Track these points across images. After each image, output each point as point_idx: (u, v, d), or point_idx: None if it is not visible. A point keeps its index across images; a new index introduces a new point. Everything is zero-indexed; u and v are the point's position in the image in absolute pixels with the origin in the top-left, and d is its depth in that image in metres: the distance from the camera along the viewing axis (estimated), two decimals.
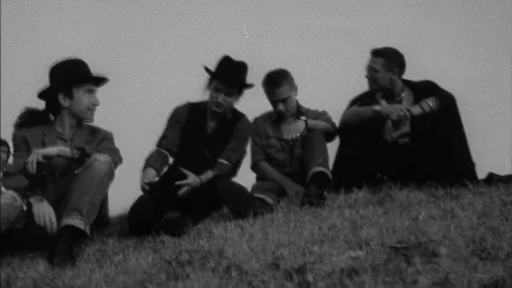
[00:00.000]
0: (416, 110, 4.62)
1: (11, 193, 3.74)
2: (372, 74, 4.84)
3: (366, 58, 4.93)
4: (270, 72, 4.97)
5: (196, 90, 4.81)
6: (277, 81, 4.89)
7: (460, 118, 4.70)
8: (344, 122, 4.82)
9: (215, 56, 4.80)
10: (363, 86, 4.96)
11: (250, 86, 4.77)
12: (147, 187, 4.36)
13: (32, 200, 3.80)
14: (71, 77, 4.17)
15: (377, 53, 4.88)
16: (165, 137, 4.76)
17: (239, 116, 4.79)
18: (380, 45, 4.94)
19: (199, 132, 4.73)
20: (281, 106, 4.89)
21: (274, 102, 4.92)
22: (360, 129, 4.66)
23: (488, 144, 4.96)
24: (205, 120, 4.76)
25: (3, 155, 7.29)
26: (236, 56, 4.74)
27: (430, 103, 4.62)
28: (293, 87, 4.95)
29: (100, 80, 4.27)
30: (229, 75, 4.65)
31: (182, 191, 4.34)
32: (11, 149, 6.18)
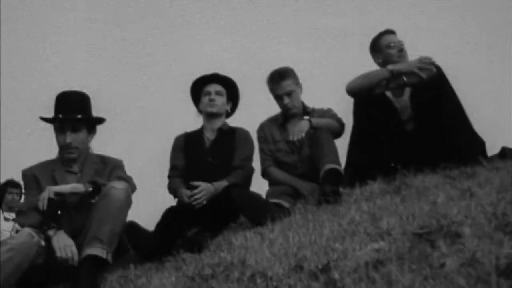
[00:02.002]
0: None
1: (28, 230, 3.73)
2: (402, 46, 4.89)
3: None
4: (275, 69, 5.02)
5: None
6: (281, 74, 4.94)
7: (453, 89, 4.67)
8: (356, 87, 4.73)
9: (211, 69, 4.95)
10: None
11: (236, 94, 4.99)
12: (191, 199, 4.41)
13: (50, 233, 3.78)
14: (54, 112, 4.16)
15: (392, 30, 4.99)
16: (174, 166, 4.87)
17: (235, 128, 4.92)
18: None
19: (199, 147, 4.83)
20: (286, 100, 4.89)
21: (279, 98, 4.93)
22: (371, 94, 4.64)
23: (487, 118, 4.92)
24: (202, 135, 4.89)
25: (15, 197, 7.31)
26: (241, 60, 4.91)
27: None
28: (298, 83, 4.99)
29: (62, 120, 4.18)
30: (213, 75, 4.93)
31: (199, 200, 4.35)
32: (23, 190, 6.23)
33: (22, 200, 5.63)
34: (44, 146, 4.33)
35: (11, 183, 7.38)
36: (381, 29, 5.04)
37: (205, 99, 4.89)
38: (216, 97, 4.86)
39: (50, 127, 4.21)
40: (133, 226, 4.13)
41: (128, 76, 7.84)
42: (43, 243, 3.75)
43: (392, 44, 4.90)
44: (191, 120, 5.06)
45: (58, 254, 3.72)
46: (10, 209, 7.40)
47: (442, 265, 2.43)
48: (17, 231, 3.93)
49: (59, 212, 3.85)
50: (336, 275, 2.58)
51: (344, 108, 4.93)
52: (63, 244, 3.74)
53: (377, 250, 2.80)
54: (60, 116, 4.13)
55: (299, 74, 5.05)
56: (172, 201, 4.73)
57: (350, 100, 4.86)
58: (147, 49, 7.89)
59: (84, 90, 4.30)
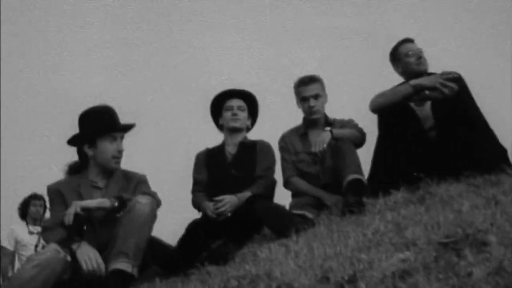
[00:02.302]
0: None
1: (53, 246, 3.75)
2: (420, 55, 4.90)
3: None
4: (303, 76, 5.07)
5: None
6: (310, 78, 5.00)
7: (473, 99, 4.67)
8: (380, 104, 4.75)
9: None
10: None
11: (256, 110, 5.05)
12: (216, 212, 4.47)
13: (74, 247, 3.80)
14: (94, 127, 4.19)
15: (410, 39, 5.02)
16: (197, 181, 4.92)
17: (256, 141, 4.98)
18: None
19: (221, 161, 4.90)
20: (313, 102, 4.92)
21: (305, 100, 4.95)
22: (398, 109, 4.64)
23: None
24: (223, 150, 4.96)
25: (39, 209, 7.37)
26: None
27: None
28: (324, 91, 5.02)
29: (125, 128, 4.29)
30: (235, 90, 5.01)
31: (223, 211, 4.38)
32: (47, 203, 6.28)
33: (47, 214, 5.65)
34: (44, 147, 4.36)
35: (34, 196, 7.44)
36: (387, 29, 5.06)
37: (227, 114, 4.95)
38: (239, 112, 4.92)
39: (50, 132, 4.26)
40: (154, 241, 4.14)
41: (142, 86, 7.87)
42: (69, 258, 3.77)
43: (410, 53, 4.92)
44: (211, 136, 5.11)
45: (84, 266, 3.74)
46: (34, 222, 7.46)
47: (469, 274, 2.43)
48: (43, 247, 3.95)
49: (84, 227, 3.87)
50: (362, 286, 2.58)
51: (361, 114, 4.96)
52: (88, 256, 3.77)
53: (403, 260, 2.79)
54: (121, 124, 4.25)
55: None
56: (195, 216, 4.75)
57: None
58: (164, 60, 7.92)
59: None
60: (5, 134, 7.45)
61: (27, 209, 7.41)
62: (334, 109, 5.12)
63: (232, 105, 4.96)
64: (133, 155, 4.44)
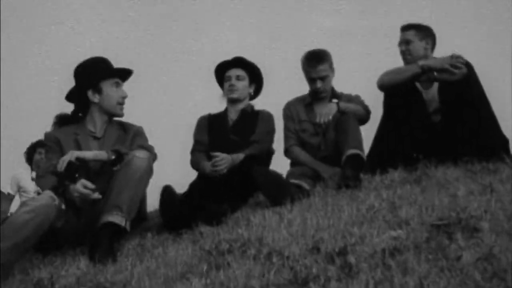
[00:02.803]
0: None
1: (48, 193, 3.76)
2: (406, 46, 4.83)
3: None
4: (313, 50, 4.99)
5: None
6: (319, 57, 4.91)
7: (482, 87, 4.67)
8: (387, 82, 4.75)
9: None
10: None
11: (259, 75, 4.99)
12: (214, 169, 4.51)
13: (66, 190, 3.82)
14: (97, 72, 4.19)
15: (407, 26, 4.91)
16: (197, 141, 4.93)
17: (259, 110, 4.97)
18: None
19: (222, 125, 4.91)
20: (319, 84, 4.89)
21: (312, 80, 4.92)
22: (404, 89, 4.64)
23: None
24: (226, 116, 4.96)
25: (40, 156, 7.39)
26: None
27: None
28: (332, 68, 4.96)
29: (125, 73, 4.30)
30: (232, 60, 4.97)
31: (219, 168, 4.42)
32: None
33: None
34: None
35: (40, 143, 7.45)
36: (383, 29, 5.04)
37: (226, 85, 4.95)
38: (237, 82, 4.89)
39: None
40: (169, 191, 4.16)
41: (149, 42, 7.85)
42: (63, 206, 3.79)
43: (398, 43, 4.91)
44: (215, 103, 5.10)
45: (77, 193, 3.78)
46: (39, 169, 7.50)
47: (459, 258, 2.45)
48: (38, 193, 3.96)
49: (76, 175, 3.87)
50: (352, 259, 2.60)
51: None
52: (80, 183, 3.79)
53: (395, 238, 2.82)
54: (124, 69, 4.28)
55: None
56: (192, 175, 4.78)
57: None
58: (174, 19, 7.89)
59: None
60: (5, 135, 7.45)
61: (33, 155, 7.43)
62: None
63: (230, 75, 4.93)
64: (134, 107, 4.44)
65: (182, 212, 4.06)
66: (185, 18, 7.82)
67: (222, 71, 4.99)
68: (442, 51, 4.86)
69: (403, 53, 4.89)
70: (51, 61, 7.68)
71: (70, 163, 3.85)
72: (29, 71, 7.74)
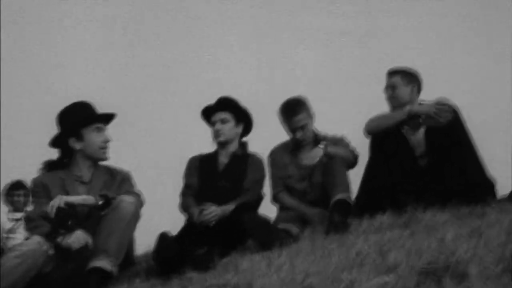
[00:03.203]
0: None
1: (37, 238, 3.75)
2: (392, 91, 4.88)
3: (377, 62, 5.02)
4: (287, 100, 4.99)
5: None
6: (294, 108, 4.92)
7: (467, 131, 4.72)
8: (374, 128, 4.81)
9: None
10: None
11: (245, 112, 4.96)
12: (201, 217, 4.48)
13: (59, 239, 3.80)
14: (78, 119, 4.21)
15: (393, 72, 4.97)
16: (188, 184, 4.90)
17: (249, 154, 4.95)
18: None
19: (212, 169, 4.88)
20: (298, 134, 4.90)
21: (291, 130, 4.94)
22: (390, 134, 4.69)
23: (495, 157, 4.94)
24: (216, 159, 4.93)
25: (21, 198, 7.37)
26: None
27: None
28: (310, 115, 4.96)
29: (107, 118, 4.31)
30: (216, 103, 4.94)
31: (207, 219, 4.39)
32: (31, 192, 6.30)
33: (31, 206, 5.62)
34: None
35: (18, 185, 7.43)
36: (382, 30, 5.07)
37: (212, 130, 4.93)
38: (221, 126, 4.87)
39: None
40: (165, 238, 4.16)
41: (140, 85, 7.85)
42: (51, 251, 3.77)
43: (384, 89, 4.96)
44: (205, 141, 5.09)
45: (73, 246, 3.75)
46: (16, 210, 7.46)
47: None
48: (26, 238, 3.94)
49: (69, 222, 3.87)
50: None
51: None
52: (75, 236, 3.77)
53: (384, 284, 2.81)
54: (104, 113, 4.30)
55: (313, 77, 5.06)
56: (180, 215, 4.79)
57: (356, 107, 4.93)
58: (163, 61, 7.90)
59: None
60: (5, 135, 7.42)
61: (12, 196, 7.40)
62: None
63: (214, 120, 4.91)
64: (121, 150, 4.44)
65: (172, 257, 4.05)
66: (173, 60, 7.85)
67: (208, 116, 5.00)
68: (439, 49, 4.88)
69: (389, 99, 4.94)
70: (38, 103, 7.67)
71: (59, 209, 3.84)
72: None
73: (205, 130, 5.06)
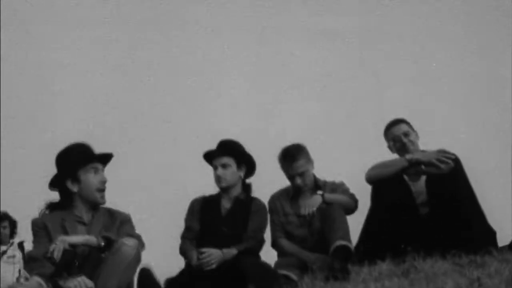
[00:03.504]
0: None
1: (37, 278, 3.75)
2: (408, 137, 4.96)
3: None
4: (287, 147, 5.02)
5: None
6: (294, 155, 4.94)
7: (468, 180, 4.73)
8: (374, 176, 4.82)
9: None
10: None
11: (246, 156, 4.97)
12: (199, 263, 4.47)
13: (61, 282, 3.79)
14: (74, 161, 4.23)
15: (398, 121, 5.06)
16: (189, 228, 4.91)
17: (252, 198, 4.96)
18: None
19: (214, 213, 4.88)
20: (298, 180, 4.92)
21: (291, 177, 4.95)
22: (392, 182, 4.70)
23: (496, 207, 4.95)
24: (219, 203, 4.93)
25: (6, 230, 7.33)
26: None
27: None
28: (310, 161, 4.99)
29: (104, 158, 4.33)
30: (217, 147, 4.96)
31: (207, 264, 4.38)
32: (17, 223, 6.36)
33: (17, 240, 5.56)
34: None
35: (1, 216, 7.41)
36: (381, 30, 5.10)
37: (214, 175, 4.94)
38: (222, 171, 4.88)
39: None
40: (146, 273, 4.13)
41: (136, 121, 7.86)
42: None
43: (394, 138, 4.99)
44: (206, 180, 5.09)
45: None
46: (0, 243, 7.44)
47: None
48: (26, 278, 3.93)
49: (73, 264, 3.87)
50: None
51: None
52: (77, 281, 3.76)
53: None
54: (101, 154, 4.30)
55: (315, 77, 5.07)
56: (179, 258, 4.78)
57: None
58: (163, 98, 7.92)
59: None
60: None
61: None
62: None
63: (215, 165, 4.92)
64: (118, 190, 4.44)
65: None
66: (172, 94, 7.87)
67: (210, 160, 5.01)
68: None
69: (405, 145, 4.94)
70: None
71: (65, 251, 3.84)
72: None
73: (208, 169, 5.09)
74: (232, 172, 4.90)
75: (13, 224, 7.39)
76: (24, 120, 7.82)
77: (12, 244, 7.31)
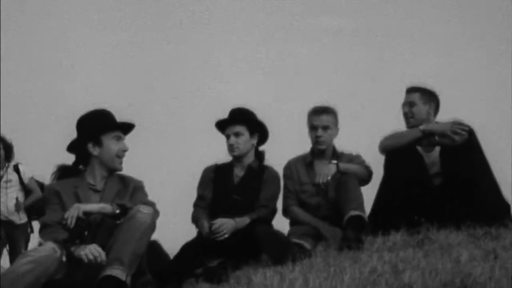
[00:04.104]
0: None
1: (51, 244, 3.75)
2: (410, 108, 4.87)
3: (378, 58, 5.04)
4: (319, 104, 5.03)
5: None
6: (324, 109, 4.96)
7: (483, 152, 4.70)
8: (388, 146, 4.81)
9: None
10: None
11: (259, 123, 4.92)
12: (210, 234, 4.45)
13: (73, 248, 3.80)
14: (99, 125, 4.21)
15: (412, 89, 4.95)
16: (201, 196, 4.88)
17: (265, 167, 4.90)
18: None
19: (227, 181, 4.85)
20: (320, 132, 4.89)
21: (314, 129, 4.93)
22: (405, 152, 4.67)
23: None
24: (231, 171, 4.90)
25: (1, 152, 7.25)
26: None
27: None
28: (337, 125, 4.97)
29: (127, 127, 4.32)
30: (229, 116, 4.90)
31: (219, 234, 4.38)
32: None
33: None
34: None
35: None
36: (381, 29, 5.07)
37: (227, 143, 4.88)
38: (235, 139, 4.81)
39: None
40: (155, 246, 4.12)
41: (149, 96, 7.85)
42: (64, 258, 3.77)
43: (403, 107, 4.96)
44: (217, 150, 5.08)
45: (85, 258, 3.73)
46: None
47: None
48: (40, 244, 3.93)
49: (86, 232, 3.88)
50: None
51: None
52: (88, 249, 3.76)
53: None
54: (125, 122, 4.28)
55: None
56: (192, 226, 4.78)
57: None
58: (170, 65, 7.90)
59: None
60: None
61: None
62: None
63: (228, 133, 4.86)
64: (133, 159, 4.43)
65: (172, 270, 4.04)
66: (190, 65, 7.84)
67: (222, 128, 4.97)
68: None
69: (406, 115, 4.93)
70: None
71: (78, 219, 3.85)
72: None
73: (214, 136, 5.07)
74: (244, 140, 4.85)
75: (8, 148, 7.30)
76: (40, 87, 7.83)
77: (8, 167, 7.26)
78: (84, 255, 3.73)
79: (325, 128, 4.90)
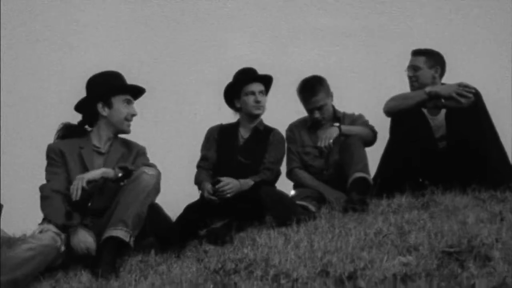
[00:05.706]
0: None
1: (51, 233, 3.71)
2: (414, 72, 4.81)
3: (402, 58, 4.95)
4: (306, 79, 4.92)
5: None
6: (313, 88, 4.83)
7: (489, 116, 4.65)
8: (393, 108, 4.73)
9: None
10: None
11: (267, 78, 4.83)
12: (213, 197, 4.40)
13: (71, 230, 3.79)
14: (110, 86, 4.17)
15: (418, 52, 4.87)
16: (205, 157, 4.81)
17: (271, 129, 4.83)
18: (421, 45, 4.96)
19: (232, 142, 4.77)
20: (317, 114, 4.84)
21: (310, 110, 4.88)
22: (410, 115, 4.62)
23: None
24: (237, 131, 4.82)
25: None
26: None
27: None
28: (329, 94, 4.89)
29: (138, 92, 4.27)
30: (256, 73, 4.78)
31: (223, 194, 4.35)
32: None
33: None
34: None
35: None
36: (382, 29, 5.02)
37: (249, 100, 4.72)
38: (262, 97, 4.73)
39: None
40: (156, 209, 4.09)
41: (155, 64, 7.81)
42: (63, 248, 3.74)
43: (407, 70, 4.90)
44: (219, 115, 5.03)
45: (79, 251, 3.75)
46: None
47: (472, 286, 2.42)
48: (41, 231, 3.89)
49: (89, 204, 3.87)
50: (362, 284, 2.57)
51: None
52: (80, 245, 3.76)
53: (405, 264, 2.78)
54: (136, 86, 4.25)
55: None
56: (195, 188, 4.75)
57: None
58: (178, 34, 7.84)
59: None
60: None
61: None
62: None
63: (254, 90, 4.71)
64: (139, 124, 4.40)
65: (175, 232, 4.02)
66: (195, 28, 7.78)
67: (240, 84, 4.79)
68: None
69: (410, 79, 4.87)
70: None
71: (82, 190, 3.82)
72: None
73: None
74: (265, 100, 4.78)
75: None
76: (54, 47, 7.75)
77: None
78: (76, 247, 3.74)
79: (320, 107, 4.83)
